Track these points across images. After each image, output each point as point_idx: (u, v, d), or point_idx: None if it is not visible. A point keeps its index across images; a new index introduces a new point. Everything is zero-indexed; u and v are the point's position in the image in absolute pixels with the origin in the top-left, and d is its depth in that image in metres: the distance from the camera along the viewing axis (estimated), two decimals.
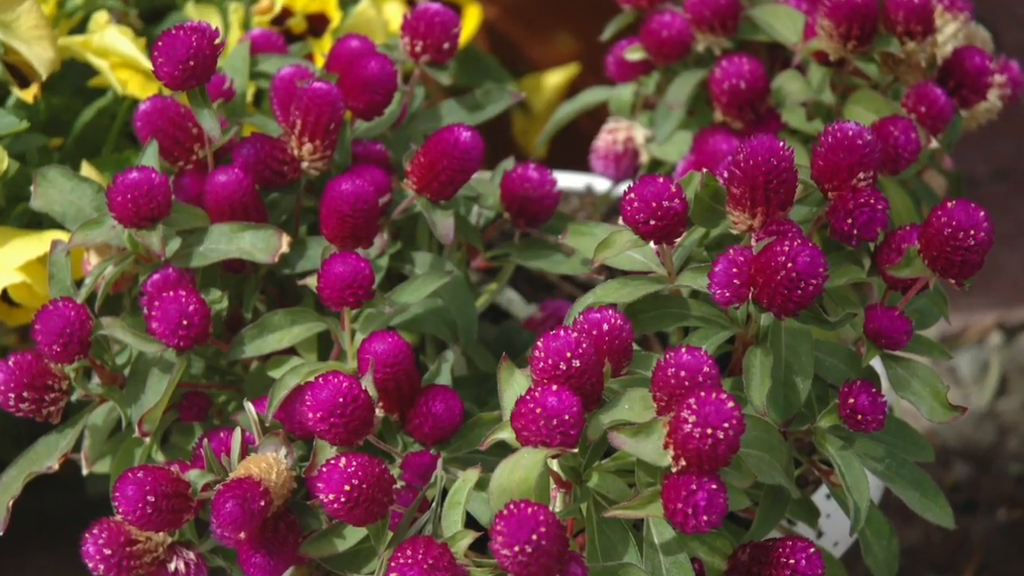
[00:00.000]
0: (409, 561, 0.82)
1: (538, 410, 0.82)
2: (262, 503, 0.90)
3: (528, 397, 0.83)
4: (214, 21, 1.25)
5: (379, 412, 0.96)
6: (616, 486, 0.88)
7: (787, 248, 0.86)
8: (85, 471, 1.04)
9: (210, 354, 1.05)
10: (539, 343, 0.85)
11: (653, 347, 1.20)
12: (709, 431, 0.79)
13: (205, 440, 0.96)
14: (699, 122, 1.19)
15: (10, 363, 0.97)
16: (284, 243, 1.01)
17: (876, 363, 0.97)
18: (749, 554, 0.89)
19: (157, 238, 0.99)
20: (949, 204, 0.89)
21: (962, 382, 1.67)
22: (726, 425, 0.79)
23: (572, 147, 1.50)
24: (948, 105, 1.08)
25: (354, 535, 0.91)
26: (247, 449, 0.94)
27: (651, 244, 0.93)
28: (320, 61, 1.22)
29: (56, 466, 1.00)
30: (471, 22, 1.54)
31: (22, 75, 1.15)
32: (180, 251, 1.02)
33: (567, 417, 0.82)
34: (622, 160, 1.24)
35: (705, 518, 0.81)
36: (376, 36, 1.27)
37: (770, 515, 0.92)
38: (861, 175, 0.92)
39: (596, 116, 1.32)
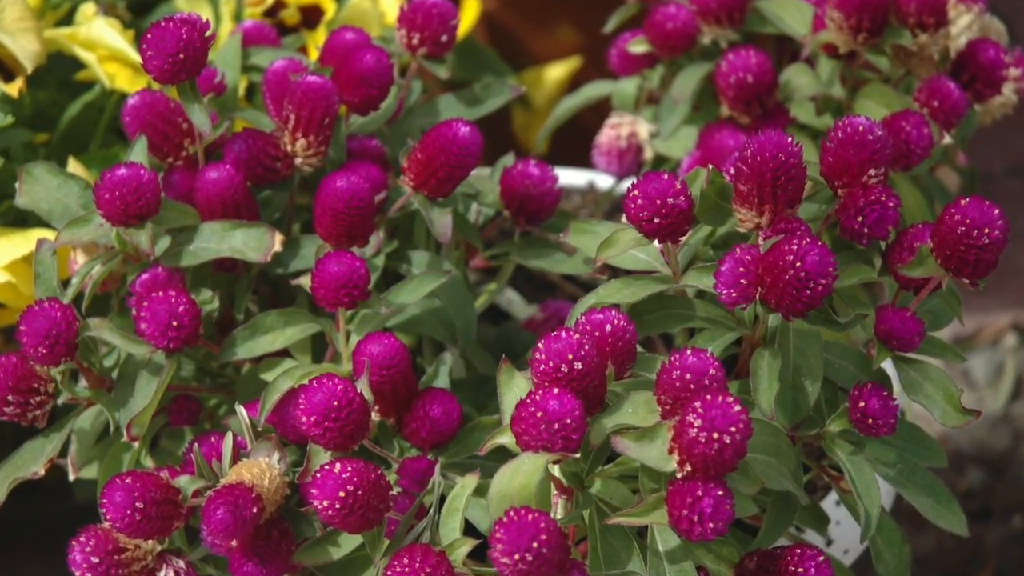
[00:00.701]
0: (406, 569, 0.83)
1: (539, 414, 0.82)
2: (254, 510, 0.89)
3: (529, 400, 0.83)
4: (205, 13, 1.26)
5: (375, 416, 0.96)
6: (619, 492, 0.88)
7: (795, 247, 0.86)
8: (72, 477, 1.04)
9: (201, 356, 1.06)
10: (540, 345, 0.85)
11: (657, 349, 1.21)
12: (715, 435, 0.79)
13: (195, 445, 0.96)
14: (705, 117, 1.19)
15: None
16: (277, 242, 1.01)
17: (887, 365, 0.97)
18: (756, 562, 0.89)
19: (146, 236, 0.99)
20: (963, 201, 0.90)
21: (976, 385, 1.68)
22: (733, 429, 0.79)
23: (574, 143, 1.50)
24: (962, 99, 1.08)
25: (349, 543, 0.91)
26: (239, 454, 0.94)
27: (655, 243, 0.93)
28: (314, 54, 1.23)
29: (42, 471, 1.00)
30: (470, 14, 1.54)
31: (7, 68, 1.16)
32: (170, 250, 1.02)
33: (569, 421, 0.82)
34: (625, 156, 1.25)
35: (711, 525, 0.80)
36: (372, 28, 1.28)
37: (778, 522, 0.92)
38: (872, 172, 0.92)
39: (599, 111, 1.33)
